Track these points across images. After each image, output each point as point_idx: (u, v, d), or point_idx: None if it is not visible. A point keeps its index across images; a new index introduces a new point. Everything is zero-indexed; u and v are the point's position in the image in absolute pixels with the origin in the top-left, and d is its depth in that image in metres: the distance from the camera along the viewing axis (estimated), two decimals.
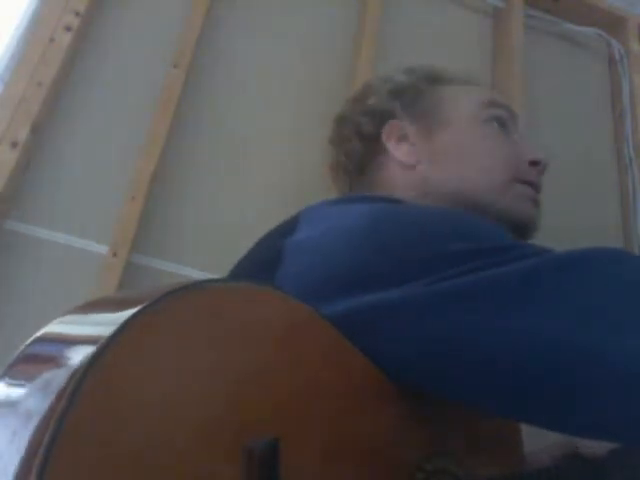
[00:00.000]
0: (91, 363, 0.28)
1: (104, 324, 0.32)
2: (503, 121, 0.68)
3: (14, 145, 0.91)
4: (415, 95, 0.69)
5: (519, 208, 0.63)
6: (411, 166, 0.65)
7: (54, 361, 0.33)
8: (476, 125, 0.66)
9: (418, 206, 0.58)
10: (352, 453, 0.38)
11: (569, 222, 1.23)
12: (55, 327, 0.38)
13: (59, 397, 0.28)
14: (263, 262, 0.53)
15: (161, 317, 0.32)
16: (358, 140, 0.69)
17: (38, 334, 0.37)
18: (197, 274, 0.97)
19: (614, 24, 1.47)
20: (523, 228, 0.64)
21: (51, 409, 0.27)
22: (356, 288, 0.43)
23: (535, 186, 0.66)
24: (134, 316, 0.31)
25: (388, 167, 0.67)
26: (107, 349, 0.29)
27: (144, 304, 0.31)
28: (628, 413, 0.34)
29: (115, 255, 0.91)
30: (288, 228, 0.54)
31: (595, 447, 0.50)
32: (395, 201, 0.57)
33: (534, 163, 0.66)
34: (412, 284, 0.40)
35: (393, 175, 0.66)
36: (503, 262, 0.39)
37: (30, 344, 0.37)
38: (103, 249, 0.93)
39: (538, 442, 0.56)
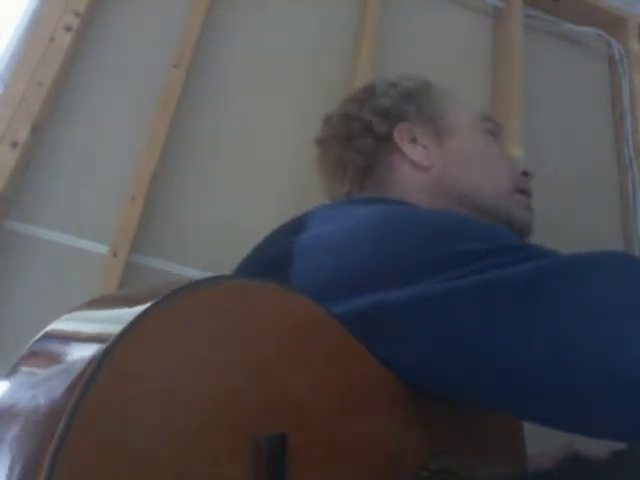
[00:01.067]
0: (105, 355, 0.28)
1: (114, 321, 0.32)
2: (495, 135, 0.73)
3: (14, 145, 0.91)
4: (423, 101, 0.72)
5: (520, 215, 0.69)
6: (425, 168, 0.67)
7: (64, 355, 0.33)
8: (478, 136, 0.71)
9: (425, 208, 0.60)
10: (355, 452, 0.38)
11: (569, 222, 1.23)
12: (64, 324, 0.38)
13: (72, 388, 0.28)
14: (273, 261, 0.54)
15: (169, 314, 0.32)
16: (370, 138, 0.70)
17: (47, 329, 0.37)
18: (197, 274, 0.97)
19: (614, 24, 1.47)
20: (519, 233, 0.68)
21: (64, 400, 0.27)
22: (362, 288, 0.43)
23: (529, 194, 0.71)
24: (145, 312, 0.31)
25: (400, 168, 0.68)
26: (117, 346, 0.29)
27: (153, 301, 0.31)
28: (630, 410, 0.34)
29: (115, 255, 0.91)
30: (296, 227, 0.55)
31: (597, 449, 0.50)
32: (402, 203, 0.58)
33: (525, 174, 0.72)
34: (418, 284, 0.41)
35: (405, 176, 0.67)
36: (510, 262, 0.39)
37: (39, 339, 0.37)
38: (103, 249, 0.93)
39: (539, 444, 0.56)
